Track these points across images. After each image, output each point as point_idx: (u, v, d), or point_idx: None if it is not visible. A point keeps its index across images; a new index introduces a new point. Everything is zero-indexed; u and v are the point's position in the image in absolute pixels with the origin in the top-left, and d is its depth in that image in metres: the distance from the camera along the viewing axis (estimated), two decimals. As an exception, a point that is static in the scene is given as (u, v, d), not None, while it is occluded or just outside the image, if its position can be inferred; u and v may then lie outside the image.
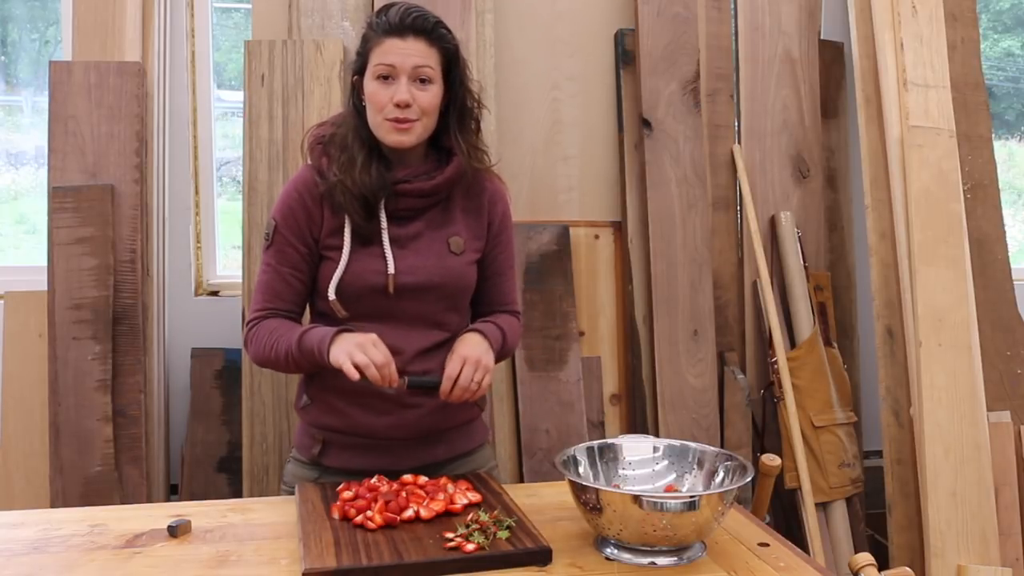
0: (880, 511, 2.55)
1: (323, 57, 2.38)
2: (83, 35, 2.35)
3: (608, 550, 1.31)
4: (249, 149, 2.34)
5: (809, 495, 2.49)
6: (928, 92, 2.52)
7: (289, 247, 1.58)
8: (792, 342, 2.62)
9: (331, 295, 1.55)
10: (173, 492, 2.56)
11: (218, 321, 2.59)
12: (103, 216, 2.24)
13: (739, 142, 2.73)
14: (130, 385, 2.24)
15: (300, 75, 2.37)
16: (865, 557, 1.37)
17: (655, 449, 1.47)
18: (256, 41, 2.38)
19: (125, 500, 2.19)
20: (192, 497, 2.41)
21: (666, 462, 1.46)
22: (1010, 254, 2.65)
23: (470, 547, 1.26)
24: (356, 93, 1.60)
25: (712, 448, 1.45)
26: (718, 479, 1.39)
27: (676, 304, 2.57)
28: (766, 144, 2.72)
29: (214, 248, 2.75)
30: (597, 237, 2.67)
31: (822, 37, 2.84)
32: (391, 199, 1.57)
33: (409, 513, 1.36)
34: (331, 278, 1.55)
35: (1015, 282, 2.63)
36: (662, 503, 1.23)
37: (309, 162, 1.63)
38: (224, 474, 2.49)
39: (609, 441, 1.49)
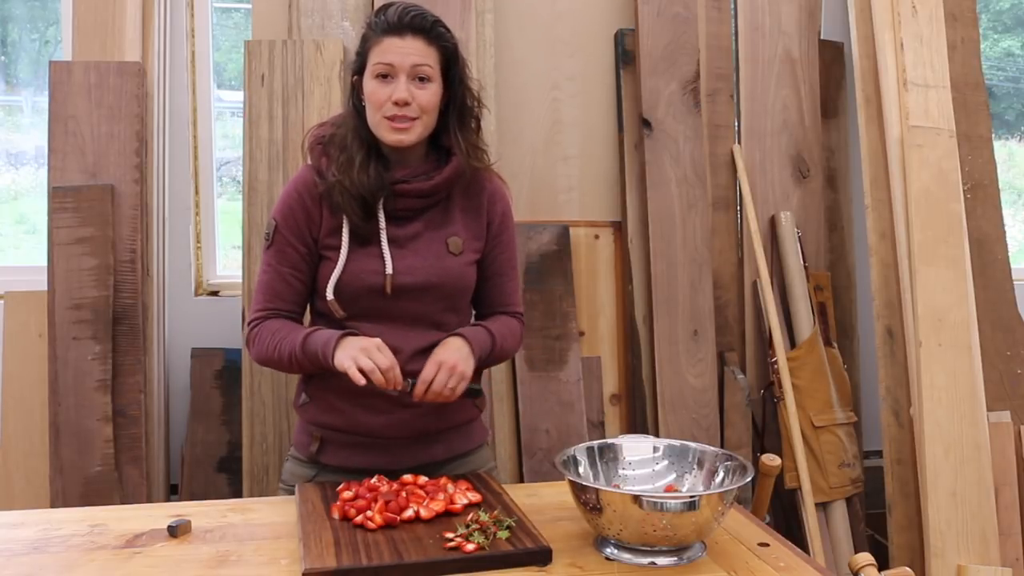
0: (880, 511, 2.55)
1: (323, 57, 2.38)
2: (83, 35, 2.35)
3: (608, 550, 1.31)
4: (249, 149, 2.34)
5: (809, 495, 2.49)
6: (928, 92, 2.52)
7: (289, 247, 1.59)
8: (792, 342, 2.62)
9: (329, 295, 1.55)
10: (173, 492, 2.56)
11: (218, 321, 2.59)
12: (103, 216, 2.24)
13: (739, 142, 2.73)
14: (130, 385, 2.24)
15: (300, 75, 2.37)
16: (865, 557, 1.37)
17: (655, 449, 1.47)
18: (256, 41, 2.38)
19: (125, 500, 2.19)
20: (192, 497, 2.41)
21: (666, 462, 1.46)
22: (1010, 254, 2.65)
23: (470, 547, 1.26)
24: (356, 93, 1.60)
25: (712, 448, 1.45)
26: (718, 479, 1.39)
27: (676, 304, 2.57)
28: (766, 144, 2.72)
29: (214, 248, 2.75)
30: (597, 237, 2.67)
31: (822, 37, 2.84)
32: (389, 199, 1.57)
33: (409, 513, 1.36)
34: (329, 278, 1.56)
35: (1015, 282, 2.63)
36: (662, 503, 1.23)
37: (309, 162, 1.63)
38: (224, 474, 2.49)
39: (609, 441, 1.49)
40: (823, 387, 2.59)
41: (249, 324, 1.62)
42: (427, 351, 1.58)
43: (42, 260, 2.27)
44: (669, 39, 2.62)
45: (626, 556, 1.29)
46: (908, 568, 1.39)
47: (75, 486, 2.18)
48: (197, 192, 2.70)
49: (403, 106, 1.52)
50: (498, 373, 2.48)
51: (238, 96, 2.63)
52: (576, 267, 2.64)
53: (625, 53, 2.68)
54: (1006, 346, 2.58)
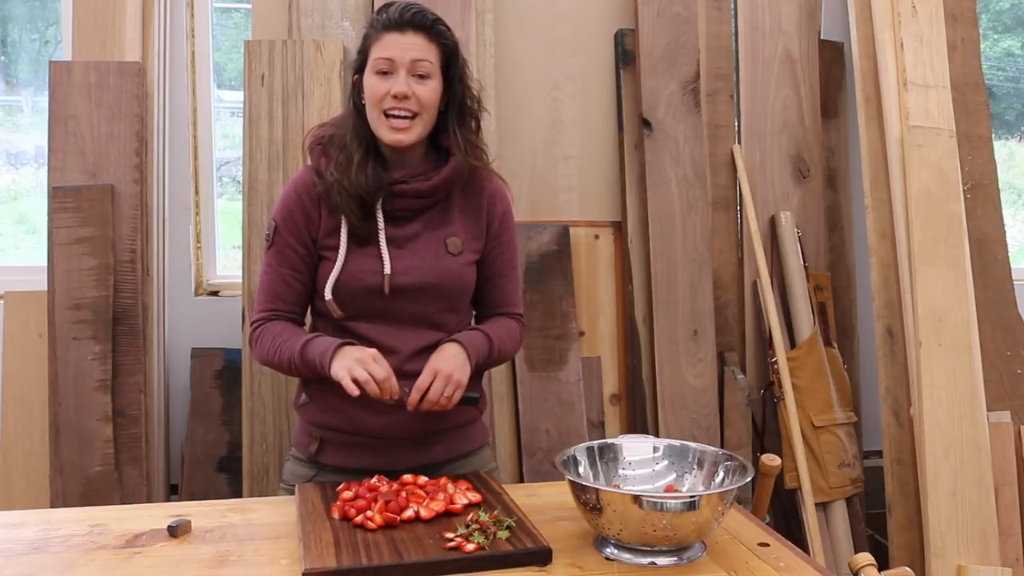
0: (880, 511, 2.55)
1: (323, 57, 2.38)
2: (83, 35, 2.35)
3: (608, 550, 1.31)
4: (249, 149, 2.34)
5: (809, 495, 2.49)
6: (928, 92, 2.52)
7: (288, 248, 1.59)
8: (792, 342, 2.62)
9: (327, 295, 1.55)
10: (173, 492, 2.56)
11: (218, 321, 2.59)
12: (103, 216, 2.24)
13: (739, 142, 2.73)
14: (130, 385, 2.24)
15: (300, 75, 2.37)
16: (865, 557, 1.37)
17: (655, 449, 1.47)
18: (256, 41, 2.38)
19: (125, 500, 2.19)
20: (192, 497, 2.41)
21: (666, 462, 1.46)
22: (1010, 254, 2.65)
23: (470, 547, 1.26)
24: (356, 92, 1.60)
25: (712, 448, 1.45)
26: (718, 479, 1.39)
27: (676, 304, 2.57)
28: (766, 144, 2.72)
29: (214, 248, 2.75)
30: (597, 237, 2.67)
31: (822, 37, 2.84)
32: (388, 199, 1.57)
33: (409, 513, 1.36)
34: (328, 278, 1.56)
35: (1015, 282, 2.63)
36: (662, 503, 1.23)
37: (309, 163, 1.63)
38: (224, 474, 2.49)
39: (609, 441, 1.49)
40: (823, 387, 2.59)
41: (252, 325, 1.62)
42: (426, 351, 1.58)
43: (42, 260, 2.27)
44: (669, 39, 2.62)
45: (626, 556, 1.29)
46: (908, 568, 1.39)
47: (75, 486, 2.18)
48: (197, 192, 2.70)
49: (402, 100, 1.52)
50: (498, 373, 2.48)
51: (238, 96, 2.63)
52: (576, 267, 2.64)
53: (625, 53, 2.68)
54: (1006, 346, 2.58)
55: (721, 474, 1.39)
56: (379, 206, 1.56)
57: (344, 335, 1.56)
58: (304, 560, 1.22)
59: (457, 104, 1.60)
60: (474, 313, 1.74)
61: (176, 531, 1.37)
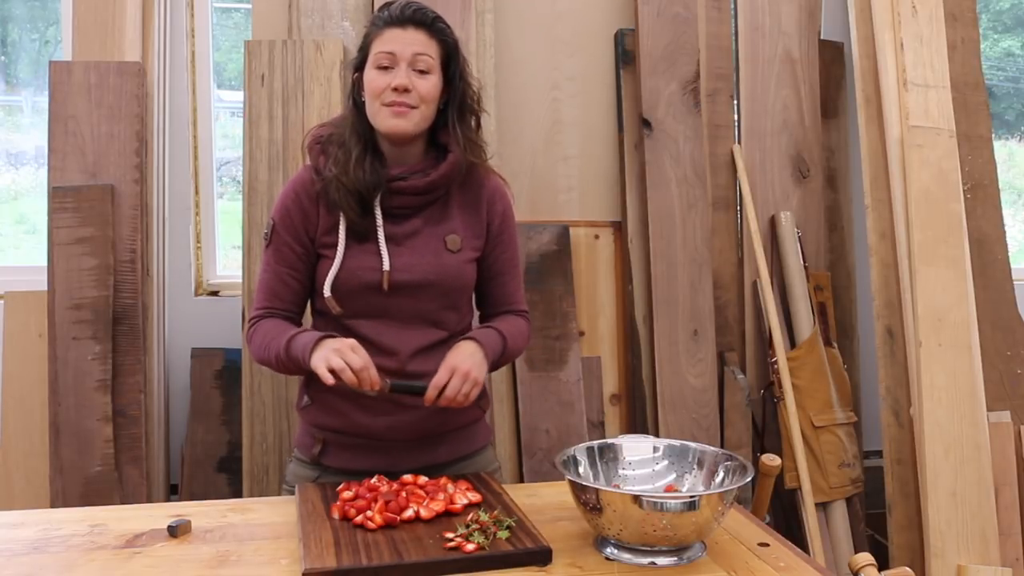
0: (880, 511, 2.55)
1: (323, 57, 2.38)
2: (83, 35, 2.35)
3: (608, 550, 1.31)
4: (249, 149, 2.34)
5: (809, 495, 2.49)
6: (928, 92, 2.52)
7: (286, 247, 1.59)
8: (792, 342, 2.62)
9: (326, 292, 1.55)
10: (173, 492, 2.56)
11: (218, 321, 2.59)
12: (103, 216, 2.24)
13: (739, 142, 2.73)
14: (130, 385, 2.24)
15: (300, 75, 2.37)
16: (865, 557, 1.37)
17: (655, 449, 1.47)
18: (256, 41, 2.38)
19: (125, 500, 2.19)
20: (192, 497, 2.41)
21: (666, 462, 1.46)
22: (1010, 254, 2.65)
23: (470, 547, 1.26)
24: (356, 89, 1.61)
25: (712, 448, 1.45)
26: (718, 479, 1.39)
27: (676, 304, 2.57)
28: (766, 144, 2.72)
29: (214, 248, 2.75)
30: (597, 237, 2.67)
31: (822, 37, 2.84)
32: (386, 196, 1.57)
33: (409, 513, 1.36)
34: (326, 276, 1.56)
35: (1015, 282, 2.63)
36: (662, 503, 1.23)
37: (308, 162, 1.63)
38: (224, 474, 2.49)
39: (609, 441, 1.49)
40: (823, 387, 2.59)
41: (248, 323, 1.63)
42: (426, 350, 1.58)
43: (42, 260, 2.27)
44: (669, 39, 2.62)
45: (626, 556, 1.29)
46: (908, 568, 1.39)
47: (75, 486, 2.18)
48: (197, 192, 2.70)
49: (403, 93, 1.53)
50: (498, 373, 2.48)
51: (238, 96, 2.63)
52: (576, 267, 2.64)
53: (625, 53, 2.68)
54: (1006, 346, 2.58)
55: (721, 474, 1.39)
56: (377, 202, 1.57)
57: (345, 334, 1.56)
58: (304, 560, 1.22)
59: (457, 101, 1.61)
60: (477, 313, 1.74)
61: (176, 531, 1.37)
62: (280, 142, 2.35)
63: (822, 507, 2.55)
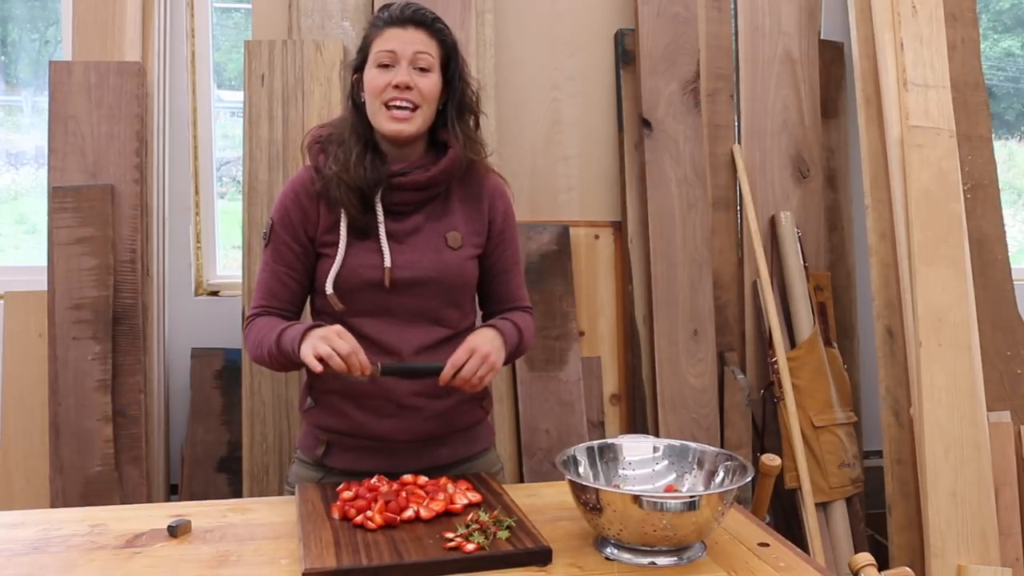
0: (880, 511, 2.55)
1: (323, 57, 2.38)
2: (83, 35, 2.35)
3: (608, 550, 1.31)
4: (249, 149, 2.34)
5: (809, 495, 2.49)
6: (928, 92, 2.52)
7: (284, 246, 1.60)
8: (792, 342, 2.62)
9: (328, 288, 1.55)
10: (173, 492, 2.56)
11: (218, 321, 2.59)
12: (103, 216, 2.24)
13: (739, 142, 2.73)
14: (130, 385, 2.24)
15: (300, 75, 2.37)
16: (865, 557, 1.37)
17: (655, 449, 1.47)
18: (256, 41, 2.38)
19: (125, 500, 2.19)
20: (192, 497, 2.41)
21: (666, 462, 1.46)
22: (1010, 254, 2.65)
23: (470, 547, 1.26)
24: (356, 89, 1.62)
25: (712, 448, 1.45)
26: (718, 479, 1.39)
27: (676, 304, 2.57)
28: (766, 144, 2.72)
29: (214, 248, 2.75)
30: (597, 237, 2.67)
31: (822, 37, 2.84)
32: (387, 193, 1.58)
33: (409, 513, 1.36)
34: (328, 274, 1.56)
35: (1015, 282, 2.63)
36: (662, 503, 1.23)
37: (308, 162, 1.64)
38: (224, 474, 2.49)
39: (609, 441, 1.49)
40: (823, 387, 2.59)
41: (245, 322, 1.63)
42: (429, 349, 1.58)
43: (42, 260, 2.27)
44: (669, 39, 2.62)
45: (626, 556, 1.29)
46: (908, 568, 1.39)
47: (75, 486, 2.18)
48: (197, 192, 2.70)
49: (404, 90, 1.54)
50: (498, 373, 2.48)
51: (238, 96, 2.63)
52: (576, 267, 2.64)
53: (625, 53, 2.68)
54: (1006, 346, 2.58)
55: (721, 474, 1.39)
56: (378, 199, 1.57)
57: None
58: (304, 560, 1.22)
59: (457, 101, 1.62)
60: (481, 313, 1.74)
61: (176, 531, 1.37)
62: (280, 142, 2.35)
63: (822, 507, 2.55)
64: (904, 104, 2.50)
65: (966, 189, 2.56)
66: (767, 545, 1.35)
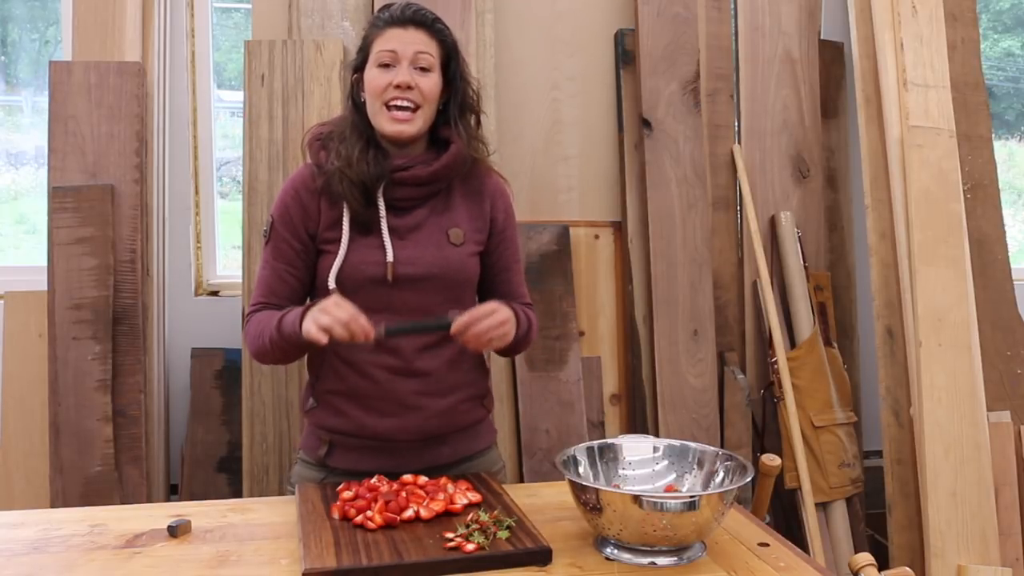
0: (880, 511, 2.55)
1: (323, 57, 2.38)
2: (83, 35, 2.35)
3: (608, 550, 1.31)
4: (249, 149, 2.34)
5: (809, 495, 2.49)
6: (928, 92, 2.52)
7: (284, 243, 1.60)
8: (792, 342, 2.62)
9: (331, 283, 1.55)
10: (173, 492, 2.56)
11: (218, 321, 2.59)
12: (103, 216, 2.24)
13: (739, 142, 2.73)
14: (130, 385, 2.24)
15: (300, 75, 2.37)
16: (865, 557, 1.37)
17: (655, 449, 1.47)
18: (256, 41, 2.38)
19: (125, 500, 2.19)
20: (192, 497, 2.41)
21: (666, 462, 1.46)
22: (1010, 254, 2.65)
23: (470, 547, 1.26)
24: (356, 89, 1.62)
25: (712, 448, 1.45)
26: (718, 479, 1.39)
27: (676, 304, 2.57)
28: (766, 144, 2.72)
29: (214, 248, 2.75)
30: (597, 237, 2.67)
31: (822, 37, 2.84)
32: (389, 187, 1.58)
33: (409, 513, 1.36)
34: (330, 270, 1.56)
35: (1015, 282, 2.63)
36: (662, 503, 1.23)
37: (308, 160, 1.64)
38: (224, 474, 2.49)
39: (609, 441, 1.49)
40: (823, 387, 2.59)
41: (244, 319, 1.63)
42: (431, 348, 1.59)
43: (42, 260, 2.27)
44: (669, 39, 2.62)
45: (626, 556, 1.29)
46: (908, 568, 1.39)
47: (75, 486, 2.18)
48: (197, 192, 2.70)
49: (405, 90, 1.54)
50: (498, 373, 2.48)
51: (238, 96, 2.63)
52: (576, 267, 2.64)
53: (625, 53, 2.68)
54: (1006, 346, 2.58)
55: (721, 474, 1.39)
56: (380, 194, 1.57)
57: None
58: (304, 560, 1.22)
59: (459, 99, 1.63)
60: None
61: (176, 531, 1.37)
62: (280, 142, 2.35)
63: (822, 507, 2.55)
64: (904, 104, 2.50)
65: (966, 189, 2.56)
66: (767, 545, 1.35)
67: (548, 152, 2.67)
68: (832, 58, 2.86)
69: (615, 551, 1.30)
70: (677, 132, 2.61)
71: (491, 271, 1.68)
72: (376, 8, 2.39)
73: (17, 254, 2.79)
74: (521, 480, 2.46)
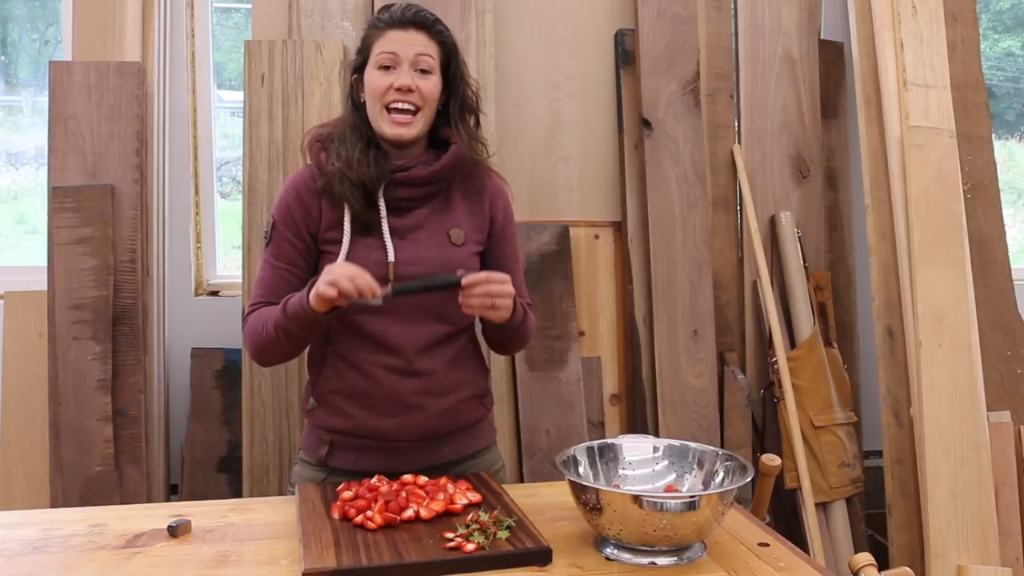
0: (880, 511, 2.55)
1: (323, 57, 2.38)
2: (83, 35, 2.36)
3: (608, 550, 1.31)
4: (249, 149, 2.34)
5: (809, 495, 2.49)
6: (928, 92, 2.52)
7: (286, 243, 1.60)
8: (792, 342, 2.62)
9: None
10: (173, 492, 2.56)
11: (218, 321, 2.59)
12: (103, 216, 2.24)
13: (739, 142, 2.73)
14: (130, 385, 2.24)
15: (300, 75, 2.37)
16: (865, 557, 1.37)
17: (655, 449, 1.47)
18: (256, 41, 2.38)
19: (125, 500, 2.19)
20: (192, 497, 2.41)
21: (666, 462, 1.46)
22: (1010, 254, 2.65)
23: (470, 547, 1.26)
24: (355, 90, 1.63)
25: (712, 448, 1.45)
26: (718, 479, 1.39)
27: (676, 304, 2.57)
28: (766, 144, 2.72)
29: (214, 248, 2.75)
30: (597, 237, 2.67)
31: (822, 37, 2.84)
32: (390, 188, 1.58)
33: (409, 513, 1.36)
34: None
35: (1015, 282, 2.63)
36: (662, 503, 1.23)
37: (308, 162, 1.64)
38: (224, 474, 2.49)
39: (609, 441, 1.49)
40: (823, 387, 2.59)
41: (244, 318, 1.63)
42: (432, 347, 1.59)
43: (42, 260, 2.27)
44: (669, 39, 2.62)
45: (626, 556, 1.29)
46: (908, 568, 1.38)
47: (75, 486, 2.18)
48: (197, 192, 2.70)
49: (406, 92, 1.55)
50: (498, 373, 2.48)
51: (238, 96, 2.63)
52: (576, 267, 2.64)
53: (625, 53, 2.68)
54: (1006, 346, 2.58)
55: (721, 474, 1.39)
56: (381, 195, 1.57)
57: (350, 330, 1.57)
58: (304, 560, 1.22)
59: (459, 100, 1.64)
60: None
61: (176, 531, 1.37)
62: (280, 142, 2.35)
63: (822, 507, 2.55)
64: (904, 104, 2.50)
65: (966, 189, 2.56)
66: (767, 545, 1.35)
67: (548, 152, 2.67)
68: (832, 58, 2.86)
69: (615, 551, 1.30)
70: (677, 132, 2.61)
71: (491, 270, 1.68)
72: (376, 8, 2.39)
73: (17, 254, 2.79)
74: (521, 480, 2.46)
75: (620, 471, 1.45)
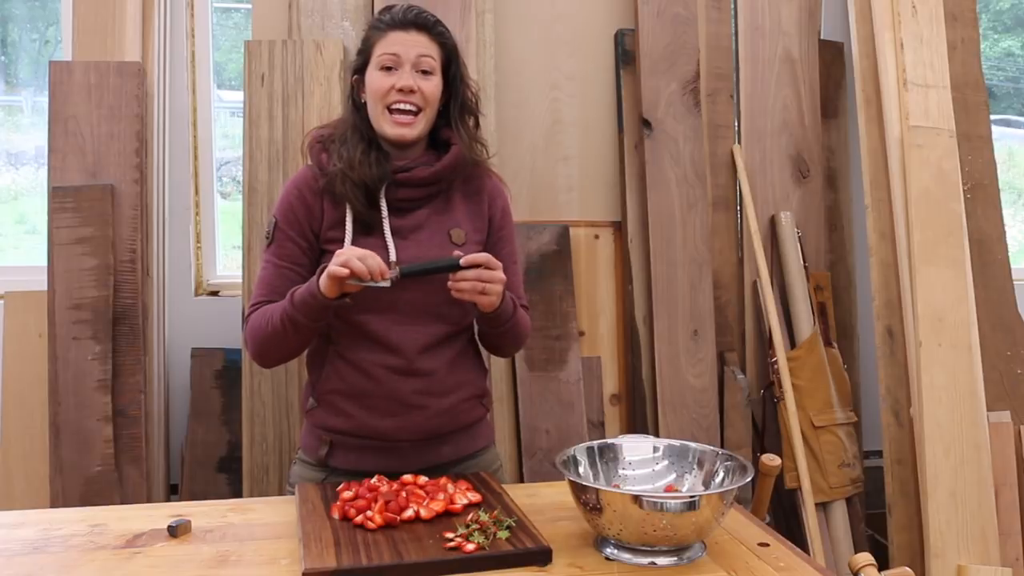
0: (880, 511, 2.55)
1: (323, 57, 2.38)
2: (83, 35, 2.36)
3: (608, 550, 1.31)
4: (249, 149, 2.34)
5: (809, 495, 2.49)
6: (928, 92, 2.52)
7: (289, 241, 1.60)
8: (792, 342, 2.62)
9: None
10: (173, 492, 2.56)
11: (218, 321, 2.59)
12: (103, 216, 2.24)
13: (739, 142, 2.73)
14: (130, 385, 2.24)
15: (300, 75, 2.37)
16: (865, 557, 1.37)
17: (655, 449, 1.47)
18: (256, 41, 2.38)
19: (125, 500, 2.19)
20: (192, 497, 2.41)
21: (666, 462, 1.46)
22: (1010, 254, 2.65)
23: (470, 547, 1.25)
24: (356, 91, 1.63)
25: (712, 448, 1.45)
26: (718, 479, 1.39)
27: (676, 304, 2.57)
28: (766, 144, 2.72)
29: (214, 248, 2.75)
30: (597, 237, 2.67)
31: (822, 37, 2.84)
32: (391, 188, 1.59)
33: (409, 513, 1.36)
34: None
35: (1015, 282, 2.63)
36: (662, 503, 1.22)
37: (309, 162, 1.64)
38: (224, 474, 2.49)
39: (609, 441, 1.49)
40: (823, 387, 2.59)
41: (245, 318, 1.63)
42: (433, 347, 1.59)
43: (42, 260, 2.27)
44: (669, 39, 2.62)
45: (626, 556, 1.29)
46: (908, 568, 1.38)
47: (75, 486, 2.18)
48: (197, 192, 2.70)
49: (408, 93, 1.55)
50: (498, 373, 2.49)
51: (238, 96, 2.63)
52: (576, 267, 2.64)
53: (625, 53, 2.68)
54: (1006, 346, 2.58)
55: (721, 474, 1.39)
56: (382, 195, 1.58)
57: (351, 330, 1.57)
58: (304, 560, 1.22)
59: (459, 101, 1.65)
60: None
61: (176, 531, 1.37)
62: (280, 142, 2.35)
63: (822, 507, 2.55)
64: (904, 104, 2.50)
65: (966, 189, 2.56)
66: (767, 545, 1.35)
67: (548, 152, 2.67)
68: (832, 58, 2.86)
69: (615, 551, 1.30)
70: (677, 132, 2.61)
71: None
72: (376, 8, 2.39)
73: (17, 254, 2.79)
74: (521, 480, 2.46)
75: (620, 471, 1.45)
